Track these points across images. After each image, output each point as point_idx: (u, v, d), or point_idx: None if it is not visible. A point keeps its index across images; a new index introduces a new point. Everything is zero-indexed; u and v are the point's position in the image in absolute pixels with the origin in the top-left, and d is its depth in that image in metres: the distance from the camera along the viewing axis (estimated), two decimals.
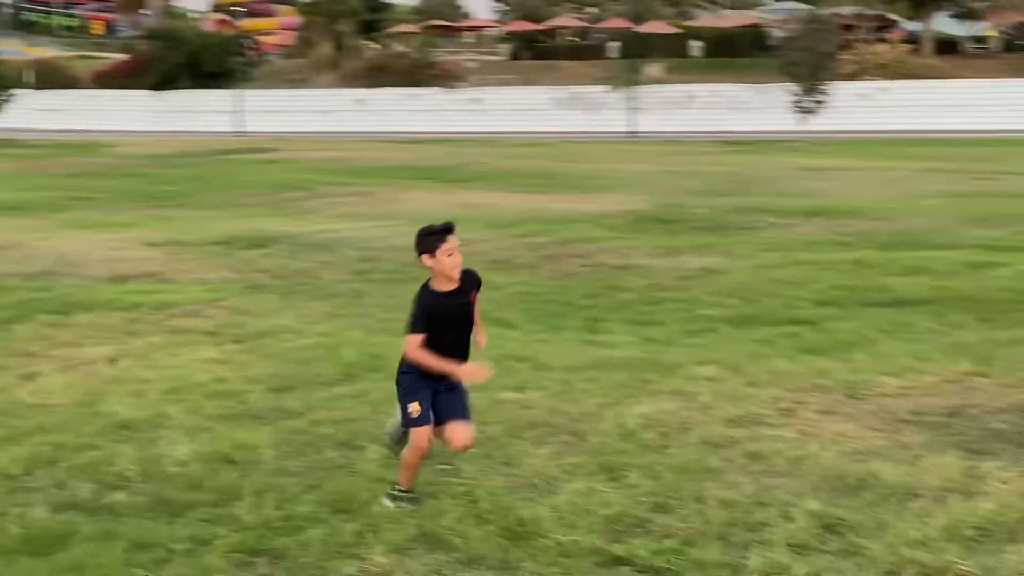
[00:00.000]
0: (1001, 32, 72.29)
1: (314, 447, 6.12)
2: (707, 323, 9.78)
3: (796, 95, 49.08)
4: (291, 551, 4.66)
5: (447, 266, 5.15)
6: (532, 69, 70.98)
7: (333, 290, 11.64)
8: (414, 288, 11.56)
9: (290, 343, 8.91)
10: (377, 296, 11.22)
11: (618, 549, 4.64)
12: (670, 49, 70.38)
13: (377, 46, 75.61)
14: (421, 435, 5.18)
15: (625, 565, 4.52)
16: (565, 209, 19.12)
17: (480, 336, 5.45)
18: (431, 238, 5.15)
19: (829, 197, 20.66)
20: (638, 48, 61.00)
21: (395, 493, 5.25)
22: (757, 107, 53.71)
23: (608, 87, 56.60)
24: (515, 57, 77.59)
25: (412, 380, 5.24)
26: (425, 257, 5.16)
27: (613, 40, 74.73)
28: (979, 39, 72.22)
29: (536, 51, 77.21)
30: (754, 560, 4.51)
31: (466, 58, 77.39)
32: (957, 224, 16.28)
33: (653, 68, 65.65)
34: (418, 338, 5.14)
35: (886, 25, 72.20)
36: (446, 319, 5.19)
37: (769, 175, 26.48)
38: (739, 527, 4.88)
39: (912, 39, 66.89)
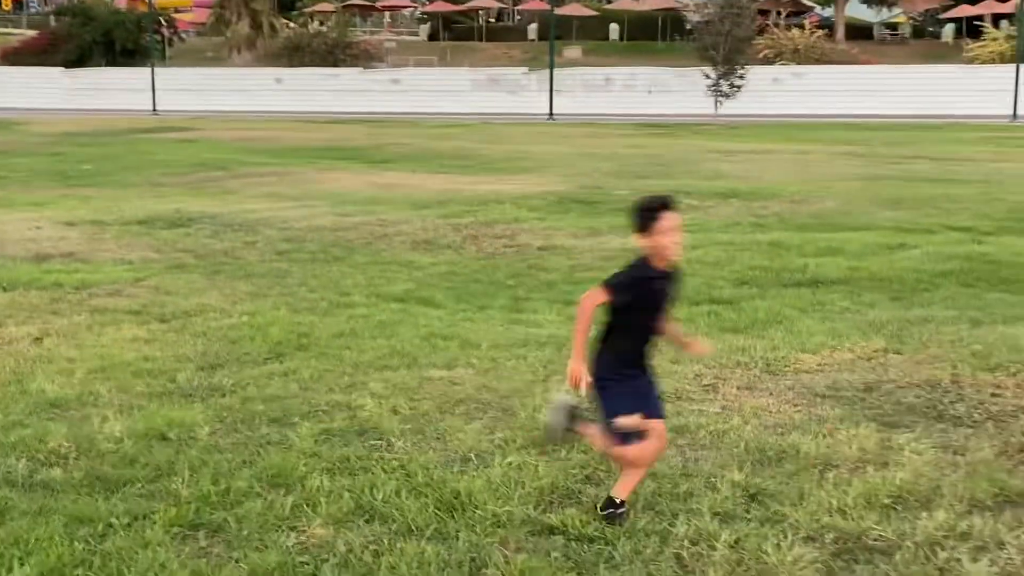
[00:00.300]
0: (911, 19, 73.83)
1: (247, 424, 6.16)
2: None
3: (713, 79, 49.65)
4: (230, 524, 4.72)
5: (662, 246, 4.59)
6: (451, 50, 70.89)
7: (257, 270, 11.62)
8: (339, 268, 11.81)
9: (216, 322, 8.90)
10: (301, 276, 11.23)
11: (551, 519, 4.78)
12: (589, 32, 70.80)
13: (294, 25, 74.86)
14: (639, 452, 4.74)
15: (558, 534, 4.65)
16: (487, 190, 19.21)
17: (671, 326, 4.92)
18: (645, 214, 4.60)
19: (746, 180, 21.01)
20: (557, 30, 61.22)
21: (609, 510, 4.75)
22: (674, 90, 54.22)
23: (527, 69, 56.76)
24: (434, 38, 77.39)
25: (620, 383, 4.69)
26: (638, 236, 4.64)
27: (532, 22, 74.92)
28: (890, 25, 73.68)
29: (455, 32, 77.11)
30: (681, 528, 4.68)
31: (385, 38, 77.03)
32: (870, 207, 16.68)
33: (572, 50, 65.99)
34: (601, 295, 4.60)
35: (800, 11, 73.36)
36: (650, 301, 4.69)
37: (684, 157, 26.81)
38: (667, 497, 5.04)
39: (825, 24, 68.03)
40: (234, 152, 28.54)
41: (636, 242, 4.65)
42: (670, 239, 4.60)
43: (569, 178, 21.26)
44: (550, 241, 13.57)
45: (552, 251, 12.88)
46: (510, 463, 5.45)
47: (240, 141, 33.03)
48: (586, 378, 4.60)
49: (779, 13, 70.16)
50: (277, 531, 4.67)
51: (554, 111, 51.21)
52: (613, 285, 4.60)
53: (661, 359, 7.53)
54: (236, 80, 63.45)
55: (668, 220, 4.58)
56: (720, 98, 49.22)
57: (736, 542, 4.54)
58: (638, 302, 4.65)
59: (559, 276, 11.32)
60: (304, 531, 4.67)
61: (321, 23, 72.60)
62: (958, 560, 4.36)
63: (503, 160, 26.27)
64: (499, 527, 4.69)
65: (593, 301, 4.61)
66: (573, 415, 5.04)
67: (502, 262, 12.22)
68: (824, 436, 5.90)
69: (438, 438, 5.93)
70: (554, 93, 52.24)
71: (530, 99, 55.41)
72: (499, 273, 11.51)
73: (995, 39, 57.78)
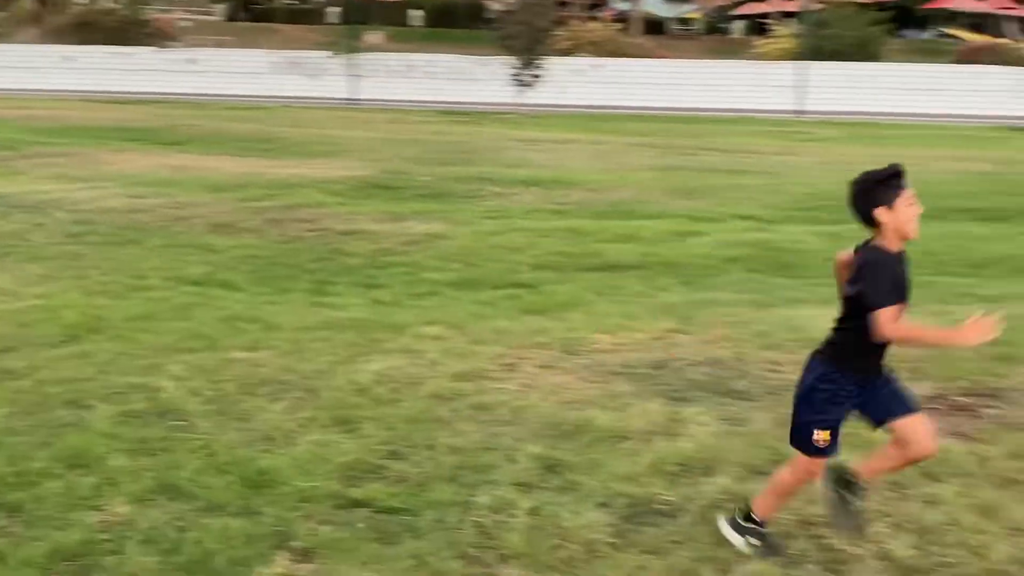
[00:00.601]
0: (704, 14, 76.42)
1: (42, 406, 6.03)
2: (432, 286, 10.12)
3: (514, 68, 50.25)
4: (28, 504, 4.64)
5: (907, 220, 4.11)
6: (249, 31, 69.52)
7: (47, 252, 11.27)
8: (133, 251, 11.56)
9: (6, 305, 8.63)
10: (94, 259, 10.96)
11: (356, 493, 4.88)
12: (390, 17, 70.58)
13: (84, 1, 72.00)
14: (818, 465, 4.34)
15: (363, 507, 4.76)
16: (288, 174, 19.04)
17: None
18: (886, 186, 4.13)
19: (546, 168, 21.44)
20: (358, 14, 60.75)
21: (742, 522, 4.44)
22: (476, 78, 54.65)
23: (328, 53, 56.14)
24: (232, 18, 75.72)
25: (833, 393, 4.22)
26: (880, 211, 4.10)
27: (333, 5, 74.16)
28: (684, 20, 76.09)
29: (253, 13, 75.60)
30: (482, 498, 4.85)
31: (180, 17, 74.85)
32: (663, 196, 17.29)
33: (373, 35, 65.63)
34: (893, 311, 4.03)
35: (598, 4, 74.95)
36: (898, 290, 4.13)
37: (488, 145, 27.13)
38: (468, 470, 5.21)
39: (622, 18, 69.74)
40: (20, 131, 27.32)
41: (876, 219, 4.13)
42: (914, 212, 4.14)
43: (372, 163, 21.25)
44: (353, 225, 13.59)
45: (355, 235, 12.91)
46: (314, 441, 5.52)
47: (27, 120, 31.63)
48: (985, 318, 3.99)
49: (578, 6, 71.49)
50: (78, 510, 4.62)
51: (356, 96, 50.94)
52: (889, 296, 4.06)
53: (461, 341, 7.75)
54: (21, 57, 60.58)
55: (909, 190, 4.15)
56: (521, 87, 49.84)
57: (534, 509, 4.74)
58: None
59: (362, 260, 11.38)
60: (106, 509, 4.64)
61: (112, 0, 70.05)
62: None
63: (304, 144, 26.03)
64: (304, 502, 4.76)
65: (895, 322, 4.05)
66: (845, 489, 4.45)
67: (304, 246, 12.19)
68: (617, 410, 6.18)
69: (241, 418, 5.93)
70: (356, 78, 51.95)
71: (331, 83, 54.88)
72: (301, 257, 11.49)
73: (782, 36, 60.36)
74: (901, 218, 4.10)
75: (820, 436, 4.25)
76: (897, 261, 4.14)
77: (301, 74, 58.01)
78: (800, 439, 4.31)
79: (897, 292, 4.08)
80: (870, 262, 4.12)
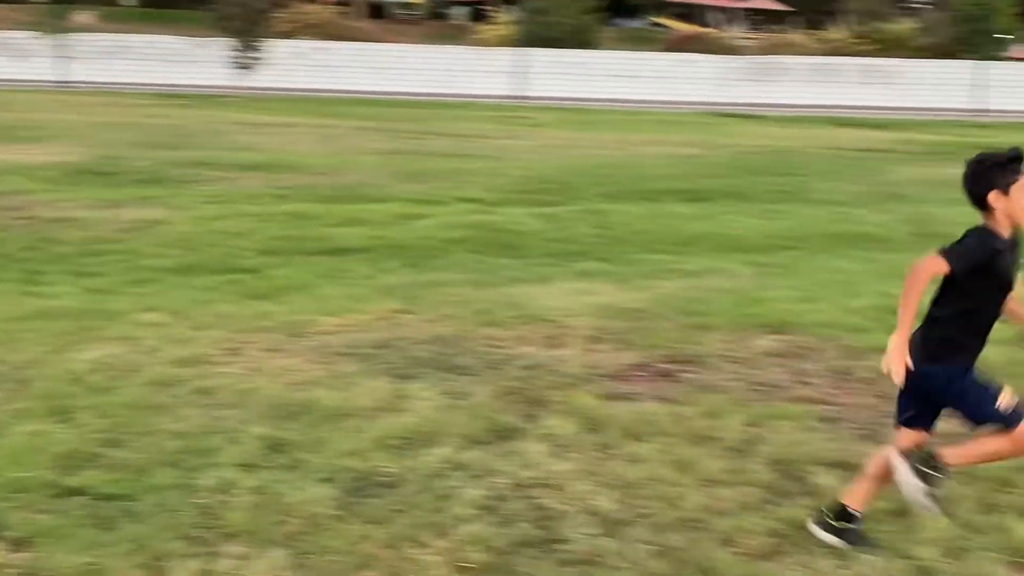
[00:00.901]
0: None
1: None
2: (151, 273, 9.90)
3: (234, 50, 49.18)
4: None
5: (1021, 207, 4.00)
6: None
7: None
8: None
9: None
10: None
11: (72, 481, 4.79)
12: None
13: None
14: None
15: (80, 495, 4.68)
16: None
17: (1015, 305, 4.22)
18: (1004, 169, 4.01)
19: (268, 152, 21.18)
20: None
21: (923, 467, 4.08)
22: (195, 60, 53.17)
23: (34, 33, 53.27)
24: None
25: (966, 383, 4.08)
26: (994, 195, 4.01)
27: None
28: (406, 5, 76.46)
29: None
30: (205, 480, 4.86)
31: None
32: (389, 180, 17.43)
33: (83, 15, 62.69)
34: (941, 264, 3.93)
35: None
36: (999, 277, 4.05)
37: (208, 129, 26.53)
38: (190, 454, 5.20)
39: (344, 1, 69.35)
40: None
41: (988, 203, 4.04)
42: None
43: (84, 148, 20.41)
44: (64, 213, 13.08)
45: (67, 223, 12.43)
46: (27, 431, 5.37)
47: None
48: (907, 364, 3.98)
49: None
50: None
51: (66, 78, 48.63)
52: (955, 256, 3.95)
53: (181, 327, 7.66)
54: None
55: None
56: (242, 70, 48.85)
57: (258, 488, 4.79)
58: (986, 279, 4.04)
59: (75, 248, 10.99)
60: None
61: None
62: (456, 487, 4.87)
63: (8, 128, 24.68)
64: (19, 492, 4.64)
65: (928, 270, 3.97)
66: (926, 470, 4.13)
67: (11, 235, 11.66)
68: (342, 389, 6.28)
69: None
70: (65, 59, 49.57)
71: (39, 65, 52.16)
72: (9, 246, 11.00)
73: (501, 23, 61.59)
74: (1014, 205, 4.01)
75: (1002, 402, 4.06)
76: (1008, 247, 4.05)
77: (5, 55, 54.82)
78: (991, 418, 4.08)
79: (975, 273, 3.98)
80: (973, 236, 4.03)
